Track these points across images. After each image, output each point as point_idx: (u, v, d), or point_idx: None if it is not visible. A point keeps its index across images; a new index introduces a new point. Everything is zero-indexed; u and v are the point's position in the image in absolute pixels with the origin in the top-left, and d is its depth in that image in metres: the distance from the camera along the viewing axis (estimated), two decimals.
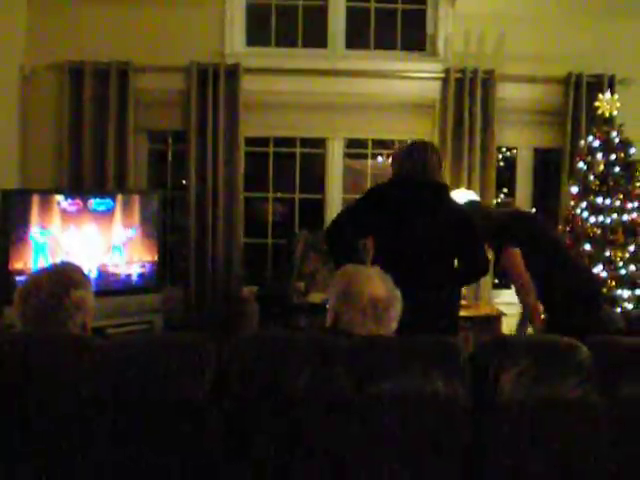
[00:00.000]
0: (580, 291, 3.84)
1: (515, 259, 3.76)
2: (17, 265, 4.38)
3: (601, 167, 4.83)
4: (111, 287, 4.67)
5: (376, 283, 2.40)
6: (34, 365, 1.91)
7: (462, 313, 4.89)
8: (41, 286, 2.24)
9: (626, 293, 4.70)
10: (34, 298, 2.22)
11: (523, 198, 5.61)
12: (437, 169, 3.43)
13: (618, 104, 4.92)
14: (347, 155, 5.69)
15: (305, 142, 5.63)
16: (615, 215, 4.74)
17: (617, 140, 4.87)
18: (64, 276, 2.29)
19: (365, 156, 5.69)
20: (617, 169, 4.81)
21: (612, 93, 5.03)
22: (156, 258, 4.90)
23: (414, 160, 3.39)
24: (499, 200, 5.76)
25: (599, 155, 4.84)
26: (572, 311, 3.74)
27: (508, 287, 5.65)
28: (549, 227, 4.31)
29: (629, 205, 4.77)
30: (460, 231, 3.37)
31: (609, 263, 4.70)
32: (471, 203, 4.14)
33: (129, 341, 2.12)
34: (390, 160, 3.60)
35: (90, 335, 2.29)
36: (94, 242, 4.67)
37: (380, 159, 5.79)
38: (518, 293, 3.87)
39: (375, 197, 3.42)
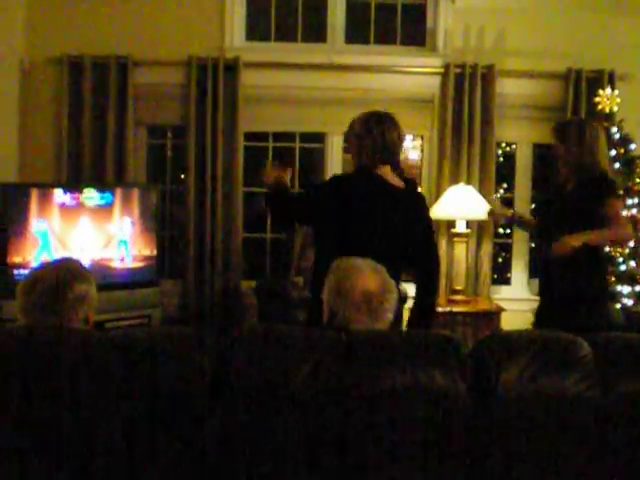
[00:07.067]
0: None
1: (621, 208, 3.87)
2: (16, 259, 4.38)
3: None
4: (110, 281, 4.65)
5: (369, 276, 2.35)
6: (36, 358, 1.91)
7: (461, 309, 4.93)
8: (45, 279, 2.23)
9: (626, 289, 4.70)
10: (37, 291, 2.21)
11: (522, 193, 5.61)
12: (398, 145, 3.34)
13: (618, 100, 4.92)
14: (346, 150, 5.67)
15: (304, 137, 5.62)
16: None
17: (617, 136, 4.87)
18: (68, 270, 2.28)
19: None
20: (617, 165, 4.80)
21: (612, 89, 5.01)
22: (155, 252, 4.90)
23: (374, 137, 3.30)
24: (498, 195, 5.75)
25: None
26: None
27: (508, 283, 5.69)
28: None
29: (629, 201, 4.76)
30: (418, 230, 3.28)
31: (609, 259, 4.70)
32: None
33: (129, 335, 2.12)
34: (348, 136, 3.40)
35: (92, 329, 2.29)
36: (93, 236, 4.67)
37: None
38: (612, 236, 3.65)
39: (338, 186, 3.32)
